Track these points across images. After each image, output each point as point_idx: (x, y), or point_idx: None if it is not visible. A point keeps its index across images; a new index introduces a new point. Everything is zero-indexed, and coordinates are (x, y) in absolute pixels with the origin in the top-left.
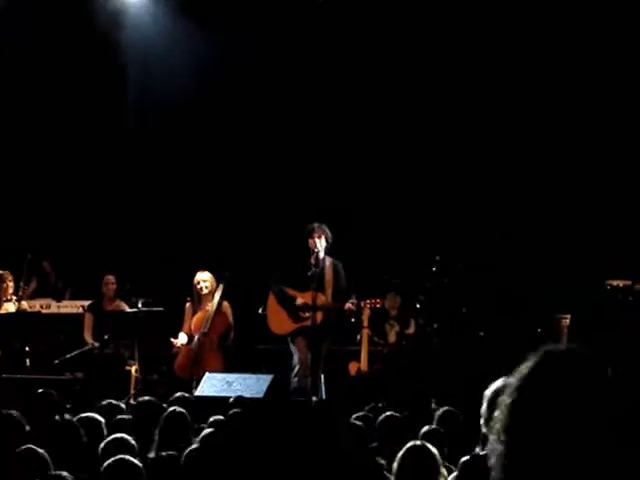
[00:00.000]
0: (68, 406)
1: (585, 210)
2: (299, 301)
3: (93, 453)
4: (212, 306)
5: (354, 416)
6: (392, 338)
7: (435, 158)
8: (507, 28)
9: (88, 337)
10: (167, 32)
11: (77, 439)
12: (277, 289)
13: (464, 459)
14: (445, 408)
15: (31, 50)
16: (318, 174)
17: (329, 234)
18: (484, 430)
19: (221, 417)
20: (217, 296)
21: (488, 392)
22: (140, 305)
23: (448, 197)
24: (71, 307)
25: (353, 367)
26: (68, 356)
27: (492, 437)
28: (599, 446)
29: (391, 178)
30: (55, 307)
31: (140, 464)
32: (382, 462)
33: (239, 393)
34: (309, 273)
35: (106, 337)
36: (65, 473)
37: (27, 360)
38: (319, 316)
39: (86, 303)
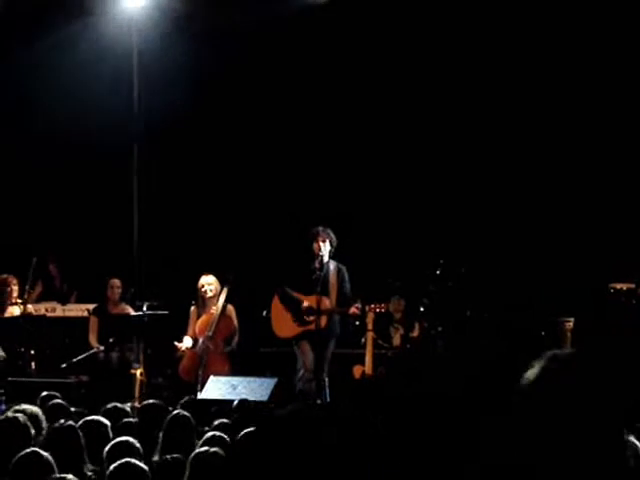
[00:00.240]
0: (73, 409)
1: (589, 213)
2: (305, 304)
3: (98, 456)
4: (217, 309)
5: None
6: (396, 341)
7: (439, 161)
8: (507, 28)
9: (93, 340)
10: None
11: (76, 443)
12: (282, 292)
13: None
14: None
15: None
16: (322, 178)
17: (333, 238)
18: None
19: (226, 420)
20: (221, 299)
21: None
22: (145, 309)
23: (452, 201)
24: (76, 310)
25: (358, 370)
26: (74, 360)
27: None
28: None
29: (395, 182)
30: (60, 310)
31: (145, 467)
32: None
33: (243, 396)
34: (313, 277)
35: (111, 340)
36: (70, 476)
37: (32, 363)
38: (323, 320)
39: (91, 306)
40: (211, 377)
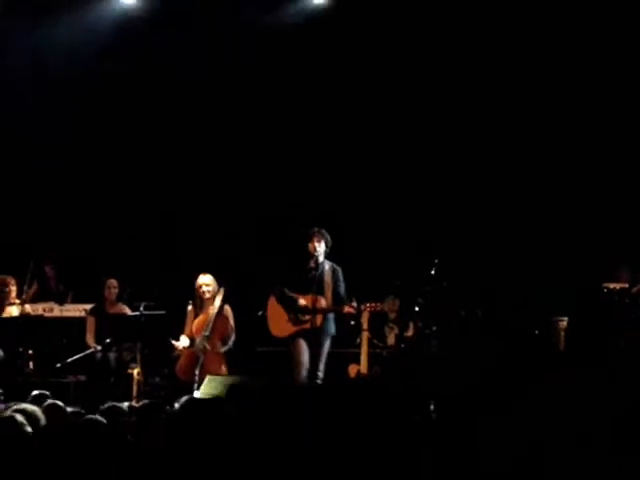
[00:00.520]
0: (70, 409)
1: (583, 213)
2: (302, 302)
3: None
4: (213, 309)
5: None
6: (391, 341)
7: (434, 160)
8: (506, 27)
9: (90, 340)
10: None
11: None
12: (278, 291)
13: None
14: (443, 410)
15: None
16: (318, 178)
17: (328, 238)
18: None
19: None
20: (218, 299)
21: None
22: (142, 308)
23: (446, 200)
24: (73, 311)
25: (353, 369)
26: (70, 360)
27: None
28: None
29: (389, 181)
30: (58, 311)
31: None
32: None
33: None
34: (309, 276)
35: (108, 340)
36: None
37: (30, 363)
38: (319, 319)
39: (88, 307)
40: (208, 376)
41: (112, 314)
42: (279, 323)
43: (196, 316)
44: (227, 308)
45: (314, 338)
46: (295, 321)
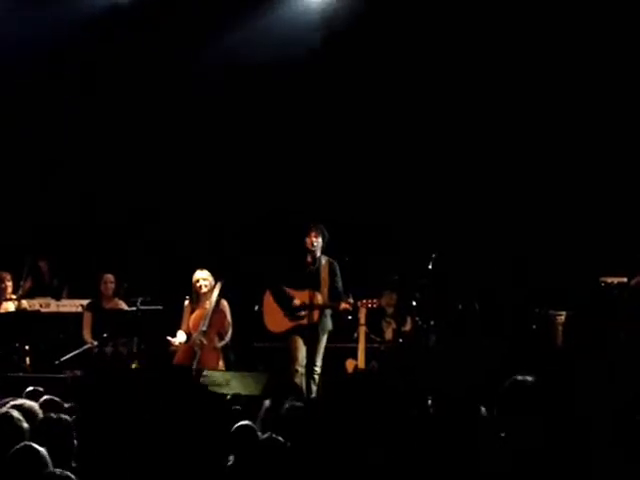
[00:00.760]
0: (67, 405)
1: (581, 208)
2: (296, 302)
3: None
4: (210, 304)
5: None
6: (389, 335)
7: (431, 155)
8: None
9: (87, 336)
10: None
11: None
12: (275, 288)
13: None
14: (441, 405)
15: None
16: (315, 173)
17: (326, 233)
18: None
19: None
20: (215, 294)
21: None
22: (139, 303)
23: (444, 195)
24: (70, 306)
25: (350, 364)
26: (67, 357)
27: None
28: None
29: (386, 176)
30: (54, 306)
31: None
32: None
33: (236, 391)
34: (306, 272)
35: (105, 335)
36: (66, 472)
37: (27, 359)
38: (315, 315)
39: (85, 302)
40: (205, 372)
41: (109, 309)
42: (275, 318)
43: (193, 311)
44: (224, 303)
45: (311, 334)
46: (291, 317)
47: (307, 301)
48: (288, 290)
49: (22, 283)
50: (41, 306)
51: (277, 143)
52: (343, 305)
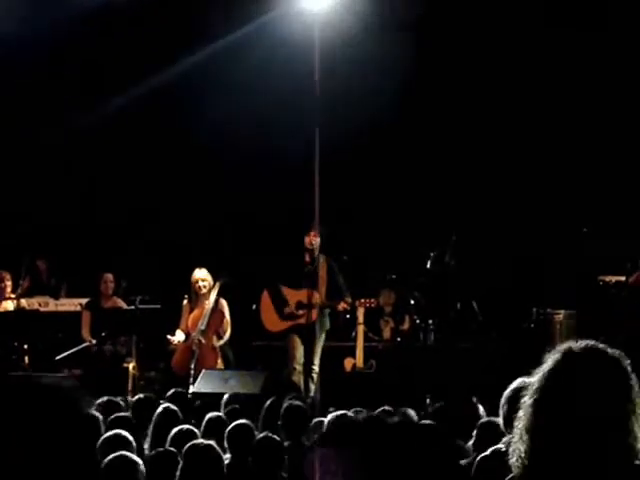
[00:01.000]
0: None
1: (579, 207)
2: (288, 310)
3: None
4: (209, 303)
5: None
6: (387, 334)
7: (428, 153)
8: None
9: (86, 334)
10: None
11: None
12: (272, 287)
13: (483, 455)
14: (439, 404)
15: None
16: (312, 172)
17: (323, 232)
18: (502, 428)
19: (217, 413)
20: (214, 294)
21: (508, 391)
22: (137, 302)
23: (441, 193)
24: (69, 305)
25: (348, 363)
26: (65, 354)
27: (514, 436)
28: (618, 449)
29: (385, 175)
30: (53, 305)
31: (139, 460)
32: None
33: (235, 390)
34: (305, 271)
35: (103, 334)
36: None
37: (26, 358)
38: (314, 314)
39: (84, 301)
40: (203, 371)
41: (107, 308)
42: (273, 318)
43: (191, 311)
44: (222, 302)
45: (309, 333)
46: (289, 316)
47: (305, 300)
48: (285, 290)
49: (21, 282)
50: (40, 305)
51: (274, 141)
52: (341, 305)
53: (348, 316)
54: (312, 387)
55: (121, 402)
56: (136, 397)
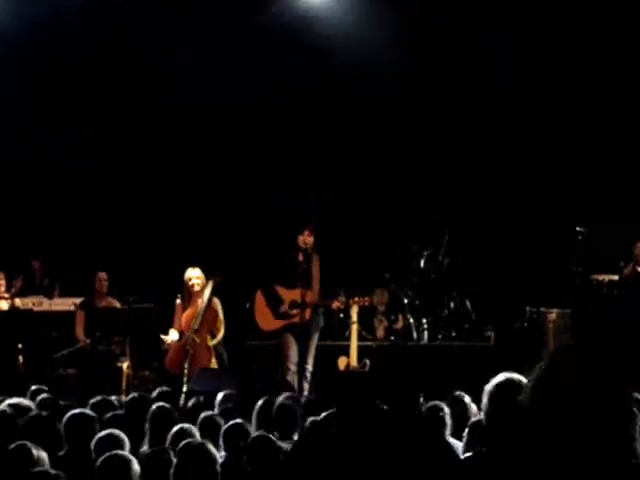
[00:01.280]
0: (62, 403)
1: (573, 205)
2: (283, 308)
3: (86, 449)
4: (202, 302)
5: None
6: (380, 333)
7: (422, 152)
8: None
9: (80, 334)
10: None
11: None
12: (267, 289)
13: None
14: (433, 402)
15: None
16: (306, 172)
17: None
18: (485, 423)
19: (211, 412)
20: (207, 293)
21: (489, 387)
22: (131, 302)
23: (435, 192)
24: (62, 304)
25: (342, 362)
26: (60, 354)
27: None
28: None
29: (378, 174)
30: (47, 305)
31: (133, 459)
32: None
33: (229, 389)
34: (299, 270)
35: (97, 334)
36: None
37: (20, 357)
38: (307, 313)
39: (78, 300)
40: (197, 370)
41: (101, 307)
42: (267, 317)
43: (185, 310)
44: (216, 301)
45: (302, 331)
46: (282, 316)
47: (299, 299)
48: (279, 290)
49: (14, 282)
50: (34, 305)
51: (269, 140)
52: (335, 304)
53: (342, 315)
54: (306, 386)
55: (115, 401)
56: (130, 396)
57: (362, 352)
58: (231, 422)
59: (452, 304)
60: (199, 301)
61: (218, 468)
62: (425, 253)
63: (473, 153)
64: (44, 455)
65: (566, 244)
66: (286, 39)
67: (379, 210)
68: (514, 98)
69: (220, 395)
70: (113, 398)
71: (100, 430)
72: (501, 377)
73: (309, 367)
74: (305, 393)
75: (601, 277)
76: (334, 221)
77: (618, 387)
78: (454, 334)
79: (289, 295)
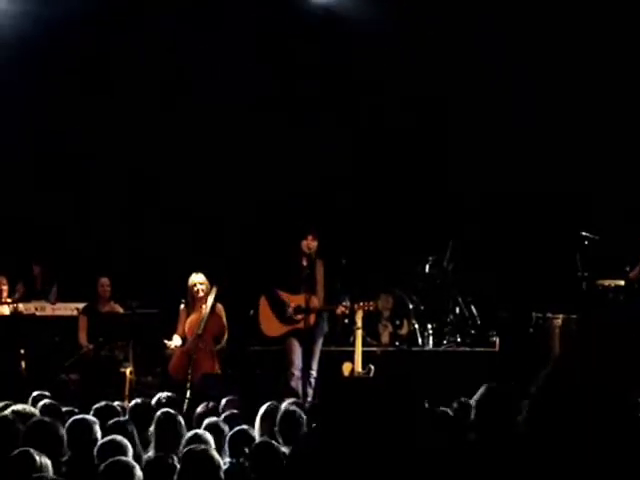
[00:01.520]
0: (64, 409)
1: (576, 209)
2: (290, 310)
3: (89, 455)
4: (206, 308)
5: None
6: (385, 339)
7: (426, 155)
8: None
9: (83, 339)
10: None
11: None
12: (271, 294)
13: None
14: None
15: None
16: (310, 176)
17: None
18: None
19: (215, 419)
20: (211, 298)
21: (474, 400)
22: (134, 307)
23: (439, 197)
24: (65, 309)
25: (347, 368)
26: (67, 364)
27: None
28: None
29: (383, 178)
30: (50, 309)
31: (136, 465)
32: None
33: (232, 395)
34: (302, 275)
35: (101, 339)
36: (55, 477)
37: (22, 362)
38: (312, 318)
39: (80, 305)
40: (201, 376)
41: (104, 313)
42: (271, 323)
43: (188, 315)
44: (219, 307)
45: (307, 337)
46: (287, 321)
47: (303, 305)
48: (283, 295)
49: (17, 287)
50: (37, 310)
51: (272, 144)
52: (340, 309)
53: (346, 320)
54: (310, 392)
55: (118, 407)
56: (133, 402)
57: (367, 358)
58: (236, 428)
59: (457, 309)
60: (203, 307)
61: (221, 474)
62: (430, 258)
63: (477, 156)
64: (47, 462)
65: (572, 249)
66: (286, 39)
67: (385, 214)
68: (515, 99)
69: (223, 401)
70: (116, 404)
71: (103, 436)
72: (482, 389)
73: (313, 373)
74: (309, 399)
75: (607, 282)
76: (337, 225)
77: (623, 392)
78: (459, 339)
79: (293, 300)
